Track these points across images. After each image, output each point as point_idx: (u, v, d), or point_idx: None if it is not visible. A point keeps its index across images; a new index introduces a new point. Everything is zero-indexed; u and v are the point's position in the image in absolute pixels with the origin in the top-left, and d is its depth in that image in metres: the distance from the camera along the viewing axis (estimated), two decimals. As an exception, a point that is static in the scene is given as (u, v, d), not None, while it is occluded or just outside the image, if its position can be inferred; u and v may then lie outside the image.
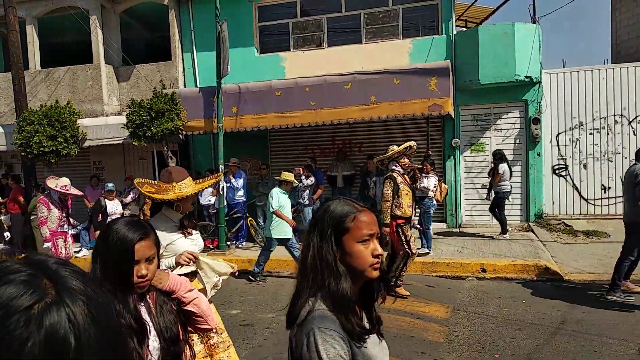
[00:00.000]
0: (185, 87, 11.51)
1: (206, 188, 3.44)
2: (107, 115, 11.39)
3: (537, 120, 10.04)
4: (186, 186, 3.12)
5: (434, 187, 8.70)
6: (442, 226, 10.48)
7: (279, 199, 7.37)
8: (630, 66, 10.14)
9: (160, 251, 3.07)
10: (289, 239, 7.42)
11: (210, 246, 9.79)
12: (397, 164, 6.34)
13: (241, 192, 10.01)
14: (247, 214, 10.02)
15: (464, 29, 12.20)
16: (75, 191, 7.25)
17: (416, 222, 8.26)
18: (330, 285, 1.37)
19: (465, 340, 4.94)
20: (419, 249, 8.48)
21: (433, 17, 10.63)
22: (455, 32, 10.39)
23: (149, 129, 9.54)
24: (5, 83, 11.86)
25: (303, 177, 9.39)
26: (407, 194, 6.28)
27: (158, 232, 3.08)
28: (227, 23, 9.53)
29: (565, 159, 10.40)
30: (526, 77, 9.70)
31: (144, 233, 1.76)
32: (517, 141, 10.33)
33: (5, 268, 0.61)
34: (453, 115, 9.64)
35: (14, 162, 13.30)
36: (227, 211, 9.66)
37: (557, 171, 10.43)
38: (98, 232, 8.34)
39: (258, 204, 10.22)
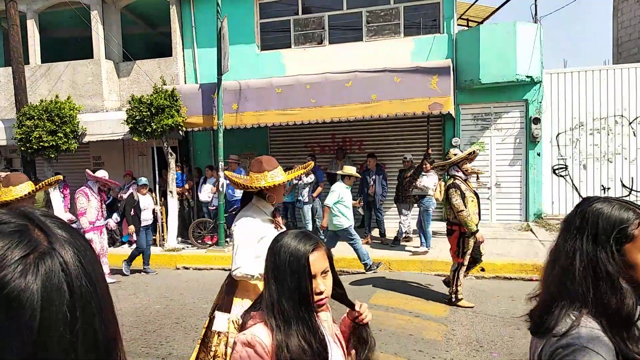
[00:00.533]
0: (185, 83, 11.50)
1: (296, 177, 3.33)
2: (107, 111, 11.38)
3: (537, 120, 10.04)
4: (278, 175, 3.04)
5: (434, 186, 8.71)
6: (442, 225, 10.46)
7: (339, 194, 7.37)
8: (632, 67, 10.13)
9: (256, 245, 2.94)
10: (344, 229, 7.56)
11: (209, 242, 9.79)
12: (457, 169, 6.04)
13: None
14: (247, 211, 10.00)
15: (466, 28, 12.19)
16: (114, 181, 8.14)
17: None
18: (611, 301, 1.22)
19: (463, 339, 4.94)
20: (417, 247, 8.51)
21: (434, 16, 10.61)
22: (456, 31, 10.38)
23: (149, 125, 9.53)
24: (5, 77, 11.84)
25: (303, 174, 9.39)
26: (472, 200, 5.93)
27: (251, 223, 2.96)
28: (229, 19, 9.51)
29: (565, 159, 10.40)
30: (527, 76, 9.70)
31: (315, 243, 1.56)
32: (517, 141, 10.33)
33: None
34: (453, 114, 9.63)
35: (13, 157, 13.29)
36: (226, 208, 9.66)
37: (556, 171, 10.43)
38: (131, 226, 8.26)
39: (257, 201, 10.21)
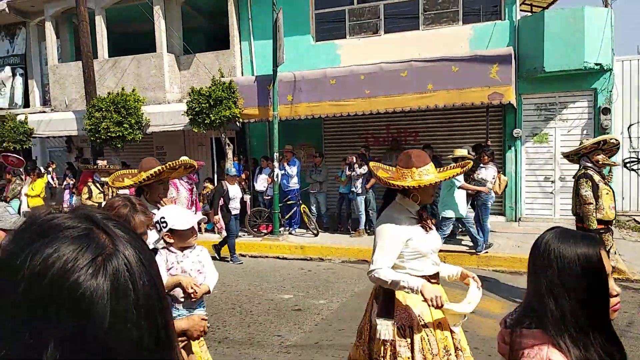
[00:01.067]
0: (242, 75, 11.73)
1: (453, 177, 2.92)
2: (168, 103, 11.83)
3: (607, 110, 9.44)
4: (427, 173, 2.71)
5: (493, 178, 8.42)
6: (500, 219, 10.13)
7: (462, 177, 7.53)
8: None
9: (401, 247, 2.65)
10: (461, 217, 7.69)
11: (264, 231, 10.00)
12: (587, 160, 5.53)
13: (295, 180, 10.12)
14: (301, 201, 10.13)
15: (529, 14, 11.63)
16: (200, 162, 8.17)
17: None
18: None
19: (521, 338, 4.77)
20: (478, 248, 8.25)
21: (495, 2, 10.18)
22: (519, 17, 9.92)
23: (208, 117, 9.83)
24: (76, 71, 12.56)
25: (356, 165, 9.34)
26: (607, 193, 5.42)
27: (395, 224, 2.65)
28: (284, 11, 9.59)
29: (638, 151, 9.74)
30: (596, 64, 9.12)
31: (597, 240, 1.41)
32: (585, 132, 9.77)
33: (60, 224, 0.64)
34: (515, 105, 9.25)
35: (84, 146, 14.14)
36: (281, 198, 9.81)
37: (628, 165, 9.80)
38: (217, 216, 8.25)
39: (311, 191, 10.30)
